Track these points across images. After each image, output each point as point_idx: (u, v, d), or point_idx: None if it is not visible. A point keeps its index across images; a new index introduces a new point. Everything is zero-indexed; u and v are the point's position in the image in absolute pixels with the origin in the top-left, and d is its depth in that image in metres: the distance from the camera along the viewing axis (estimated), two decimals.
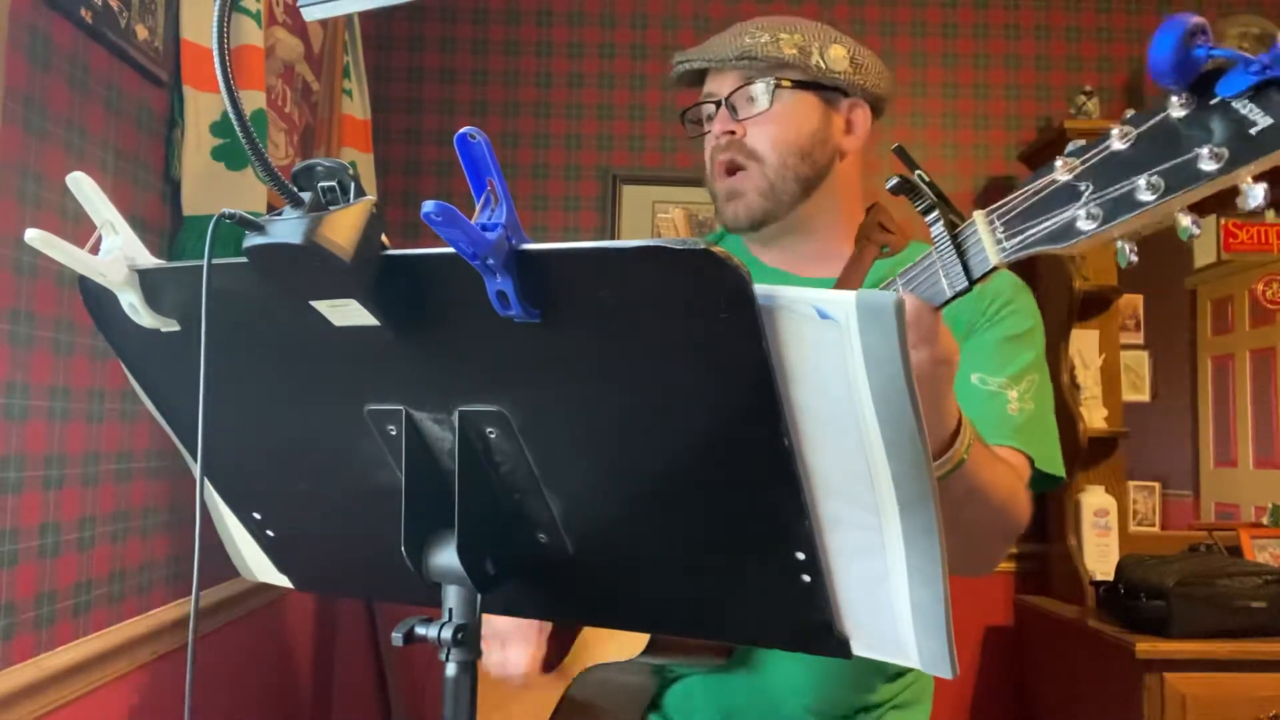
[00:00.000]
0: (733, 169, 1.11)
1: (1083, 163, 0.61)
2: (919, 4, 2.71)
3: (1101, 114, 2.51)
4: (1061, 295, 2.41)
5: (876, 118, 1.16)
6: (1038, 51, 2.72)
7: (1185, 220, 0.58)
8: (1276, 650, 1.97)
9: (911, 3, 2.72)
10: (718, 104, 1.12)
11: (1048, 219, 0.62)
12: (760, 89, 1.09)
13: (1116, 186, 0.59)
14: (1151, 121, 0.58)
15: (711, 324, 0.51)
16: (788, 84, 1.09)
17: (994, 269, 0.66)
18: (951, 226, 0.68)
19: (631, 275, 0.52)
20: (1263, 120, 0.54)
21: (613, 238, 2.55)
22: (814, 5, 2.69)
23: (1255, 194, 0.55)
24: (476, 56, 2.67)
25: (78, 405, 1.23)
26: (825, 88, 1.11)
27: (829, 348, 0.51)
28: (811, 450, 0.54)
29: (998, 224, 0.65)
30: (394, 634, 0.66)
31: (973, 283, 0.68)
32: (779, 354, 0.52)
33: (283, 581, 0.83)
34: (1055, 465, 1.03)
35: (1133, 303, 2.75)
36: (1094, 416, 2.46)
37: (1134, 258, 0.61)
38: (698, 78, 1.16)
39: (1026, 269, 1.13)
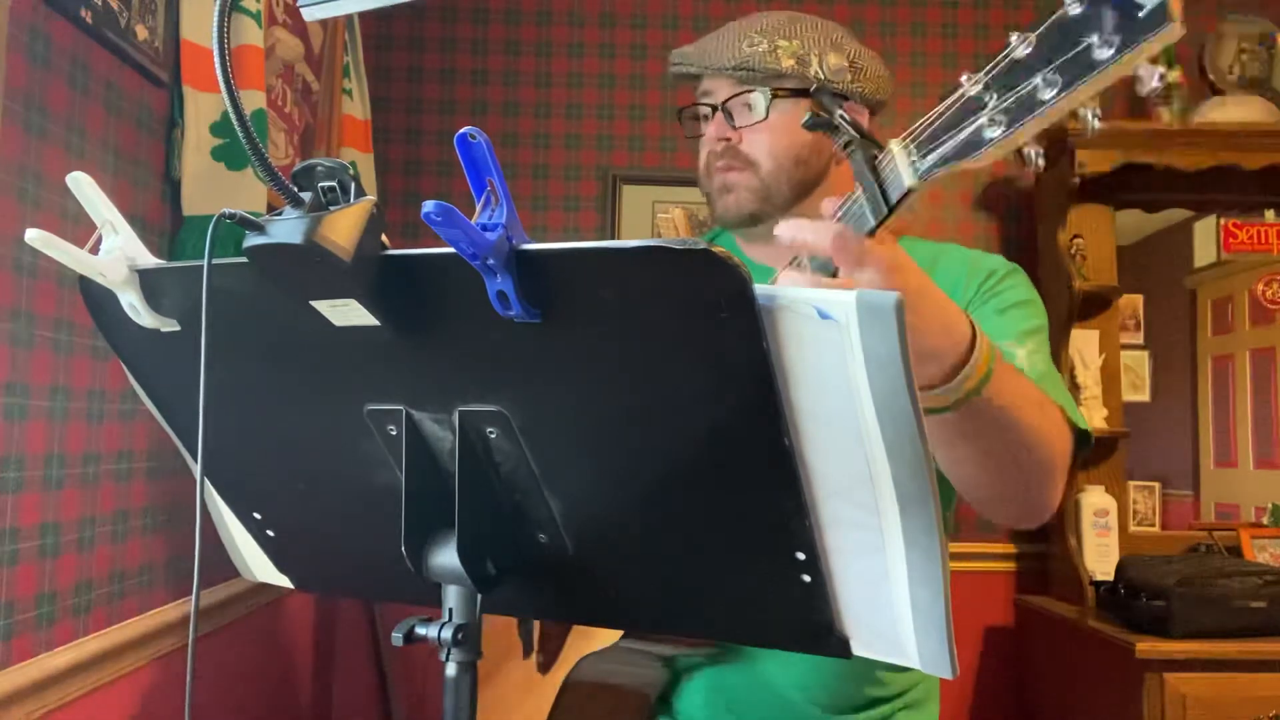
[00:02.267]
0: (728, 171, 1.12)
1: (987, 74, 0.62)
2: (919, 4, 2.71)
3: (1101, 114, 2.51)
4: (1061, 295, 2.40)
5: (873, 116, 1.16)
6: None
7: (1087, 114, 0.59)
8: (1276, 650, 1.97)
9: (911, 3, 2.72)
10: (714, 108, 1.12)
11: (957, 133, 0.63)
12: (757, 98, 1.09)
13: (1018, 90, 0.60)
14: (1049, 22, 0.60)
15: (711, 324, 0.51)
16: (784, 94, 1.09)
17: (910, 190, 0.67)
18: (871, 159, 0.69)
19: (632, 275, 0.52)
20: (1149, 2, 0.55)
21: (613, 238, 2.55)
22: (814, 5, 2.69)
23: (1151, 75, 0.56)
24: (476, 56, 2.67)
25: (78, 405, 1.23)
26: None
27: (829, 348, 0.51)
28: (811, 450, 0.54)
29: (911, 147, 0.66)
30: (394, 634, 0.66)
31: (892, 206, 0.69)
32: (779, 354, 0.52)
33: (283, 581, 0.83)
34: (1081, 419, 0.97)
35: (1133, 303, 2.75)
36: (1094, 416, 2.46)
37: (1041, 162, 0.62)
38: (694, 75, 1.17)
39: (1026, 268, 1.13)
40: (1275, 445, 2.80)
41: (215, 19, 0.53)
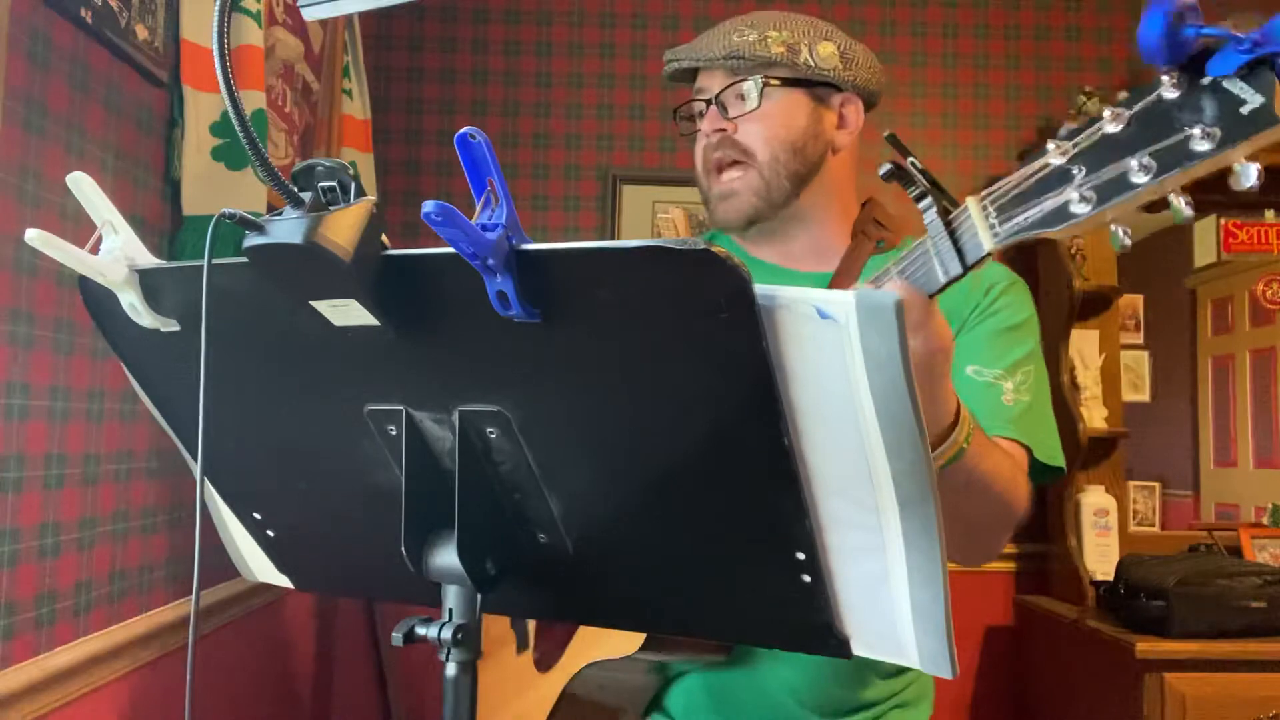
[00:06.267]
0: (724, 166, 1.12)
1: (1075, 145, 0.61)
2: (919, 4, 2.71)
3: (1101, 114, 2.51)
4: (1061, 295, 2.40)
5: (869, 110, 1.16)
6: (1037, 51, 2.71)
7: (1179, 201, 0.57)
8: (1276, 650, 1.97)
9: (911, 3, 2.71)
10: (708, 102, 1.13)
11: (1041, 202, 0.62)
12: (749, 87, 1.10)
13: (1109, 168, 0.59)
14: (1143, 103, 0.58)
15: (711, 324, 0.51)
16: (776, 82, 1.10)
17: (988, 254, 0.66)
18: (945, 213, 0.68)
19: (632, 275, 0.52)
20: (1254, 99, 0.53)
21: (613, 238, 2.55)
22: (814, 5, 2.69)
23: (1249, 173, 0.54)
24: (476, 56, 2.67)
25: (78, 405, 1.23)
26: (815, 84, 1.11)
27: (829, 348, 0.51)
28: (811, 450, 0.54)
29: (990, 209, 0.65)
30: (394, 634, 0.66)
31: (967, 268, 0.67)
32: (779, 354, 0.52)
33: (283, 581, 0.83)
34: (1055, 456, 1.02)
35: (1133, 303, 2.75)
36: (1094, 416, 2.46)
37: (1127, 241, 0.60)
38: (690, 75, 1.17)
39: (1026, 268, 1.13)
40: (1275, 445, 2.80)
41: (215, 19, 0.53)
